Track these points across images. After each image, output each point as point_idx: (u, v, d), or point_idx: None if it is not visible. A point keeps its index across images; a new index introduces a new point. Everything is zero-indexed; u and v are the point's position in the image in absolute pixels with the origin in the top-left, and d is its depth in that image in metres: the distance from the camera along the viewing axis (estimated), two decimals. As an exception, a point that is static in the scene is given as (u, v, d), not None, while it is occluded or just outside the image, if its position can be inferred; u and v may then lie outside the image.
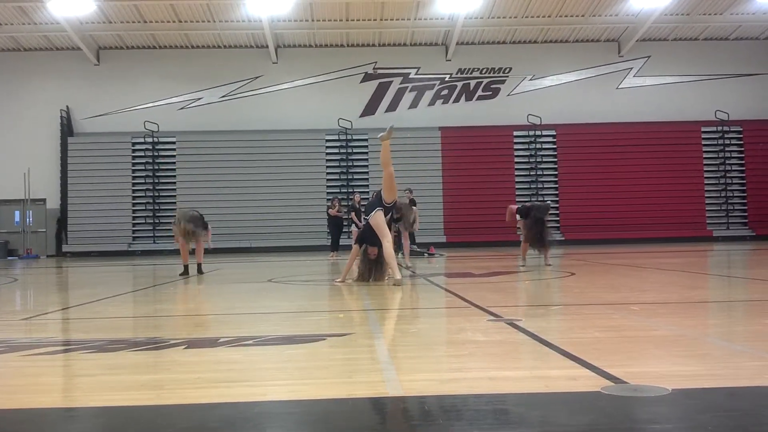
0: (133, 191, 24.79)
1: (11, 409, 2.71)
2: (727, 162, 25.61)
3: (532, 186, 25.29)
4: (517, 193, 24.51)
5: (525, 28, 25.03)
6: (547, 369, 3.22)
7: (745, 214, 25.48)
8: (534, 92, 25.90)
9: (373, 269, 8.25)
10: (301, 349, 3.88)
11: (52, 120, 24.82)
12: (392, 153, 8.65)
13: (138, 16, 23.57)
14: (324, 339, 4.17)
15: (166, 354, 3.82)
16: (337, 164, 25.09)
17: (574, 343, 3.76)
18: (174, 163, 24.90)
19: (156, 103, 25.27)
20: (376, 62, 25.76)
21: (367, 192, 20.98)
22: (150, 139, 24.83)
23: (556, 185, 25.36)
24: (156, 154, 24.95)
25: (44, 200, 25.00)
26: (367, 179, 24.46)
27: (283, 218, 24.11)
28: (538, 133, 25.45)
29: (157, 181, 24.86)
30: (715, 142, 25.64)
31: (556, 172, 25.33)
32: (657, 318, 4.91)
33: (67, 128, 24.83)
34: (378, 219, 8.26)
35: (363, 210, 11.33)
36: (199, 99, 25.45)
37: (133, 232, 24.71)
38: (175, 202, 23.91)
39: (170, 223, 23.89)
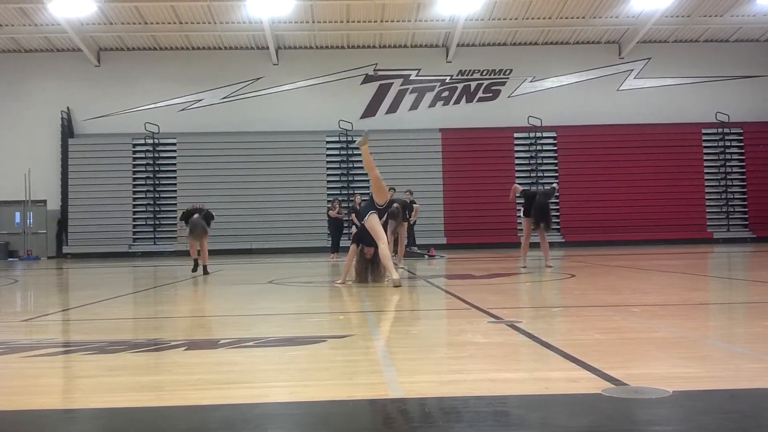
0: (134, 193, 24.78)
1: (11, 410, 2.71)
2: (727, 164, 25.59)
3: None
4: (517, 194, 24.41)
5: (525, 29, 25.05)
6: (548, 371, 3.22)
7: (746, 216, 25.47)
8: (534, 94, 25.89)
9: (369, 269, 8.35)
10: (302, 350, 3.88)
11: (52, 121, 24.83)
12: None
13: (139, 17, 23.58)
14: (325, 340, 4.17)
15: (166, 355, 3.82)
16: (338, 166, 25.07)
17: (574, 345, 3.76)
18: (174, 164, 24.88)
19: (156, 105, 25.27)
20: (376, 64, 25.76)
21: (368, 194, 20.95)
22: (150, 141, 24.83)
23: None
24: (156, 155, 24.96)
25: (45, 201, 24.99)
26: (367, 181, 24.35)
27: (283, 220, 24.11)
28: (538, 134, 25.45)
29: (157, 182, 24.85)
30: (716, 144, 25.63)
31: (556, 174, 25.27)
32: (658, 320, 4.91)
33: (67, 129, 24.83)
34: (372, 222, 8.33)
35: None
36: (200, 100, 25.46)
37: (134, 233, 24.71)
38: (175, 204, 23.92)
39: (170, 224, 24.19)
